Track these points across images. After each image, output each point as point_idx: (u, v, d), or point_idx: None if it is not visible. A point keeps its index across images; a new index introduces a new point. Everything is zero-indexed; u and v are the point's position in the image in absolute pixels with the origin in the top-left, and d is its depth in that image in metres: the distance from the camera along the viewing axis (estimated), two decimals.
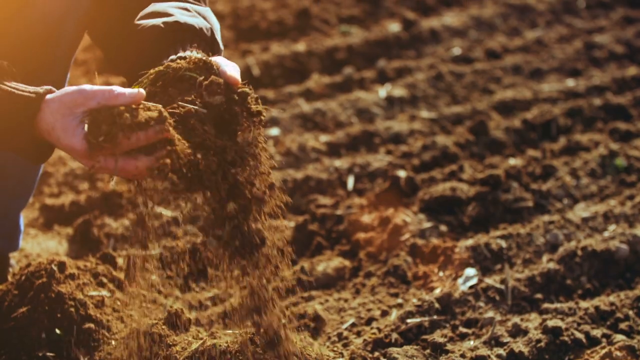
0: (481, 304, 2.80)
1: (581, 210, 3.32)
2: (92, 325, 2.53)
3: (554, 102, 4.35)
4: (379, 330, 2.72)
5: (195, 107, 2.01)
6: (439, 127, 4.15)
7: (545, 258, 3.03)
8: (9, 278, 2.77)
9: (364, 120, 4.22)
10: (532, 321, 2.70)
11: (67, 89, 1.96)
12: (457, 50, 4.96)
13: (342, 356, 2.57)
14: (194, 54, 2.12)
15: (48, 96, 1.96)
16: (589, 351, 2.58)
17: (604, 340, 2.61)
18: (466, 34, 5.20)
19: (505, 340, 2.62)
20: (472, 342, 2.64)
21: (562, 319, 2.69)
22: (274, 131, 4.05)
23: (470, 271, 2.93)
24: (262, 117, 2.08)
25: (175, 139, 1.94)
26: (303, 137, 4.01)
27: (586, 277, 2.94)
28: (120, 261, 2.98)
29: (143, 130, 1.89)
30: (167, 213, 3.28)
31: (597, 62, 4.85)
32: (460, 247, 3.06)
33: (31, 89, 1.98)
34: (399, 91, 4.42)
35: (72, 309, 2.51)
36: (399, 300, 2.89)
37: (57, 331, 2.48)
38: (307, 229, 3.28)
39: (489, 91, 4.53)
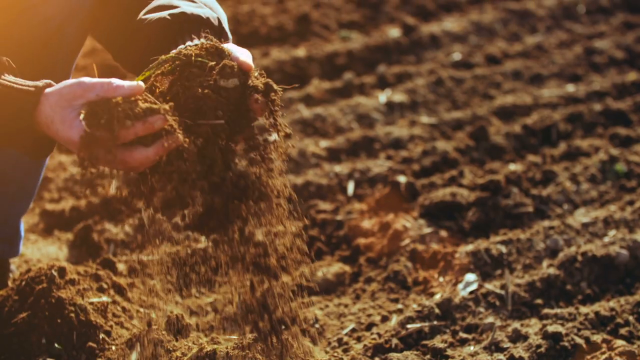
0: (481, 309, 2.80)
1: (581, 216, 3.32)
2: (92, 331, 2.52)
3: (554, 108, 4.36)
4: (379, 335, 2.72)
5: (209, 90, 1.99)
6: (439, 132, 4.15)
7: (545, 263, 3.03)
8: (9, 283, 2.76)
9: (364, 126, 4.22)
10: (532, 326, 2.70)
11: (66, 82, 1.95)
12: (457, 56, 4.96)
13: None
14: (205, 40, 2.10)
15: (47, 90, 1.95)
16: (589, 356, 2.57)
17: (604, 345, 2.61)
18: (466, 39, 5.21)
19: (505, 346, 2.62)
20: (472, 348, 2.64)
21: (562, 325, 2.69)
22: (274, 137, 4.04)
23: (470, 276, 2.93)
24: (278, 104, 2.06)
25: (176, 130, 1.93)
26: (303, 142, 4.01)
27: (586, 283, 2.94)
28: (120, 266, 2.98)
29: (140, 121, 1.87)
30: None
31: (597, 68, 4.85)
32: (461, 252, 3.06)
33: (30, 83, 1.97)
34: (399, 96, 4.43)
35: (72, 315, 2.51)
36: (399, 306, 2.89)
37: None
38: (307, 234, 3.29)
39: (489, 96, 4.54)
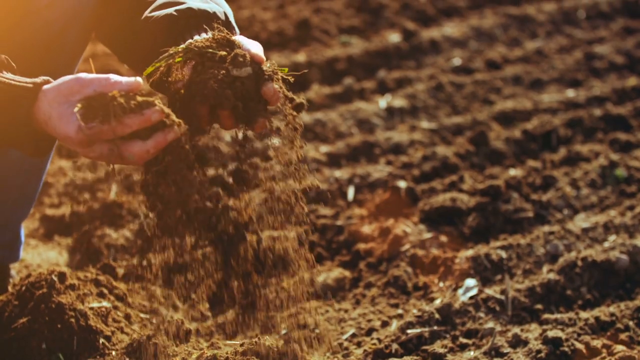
0: (481, 314, 2.80)
1: (581, 221, 3.32)
2: (92, 336, 2.52)
3: (554, 113, 4.36)
4: (379, 340, 2.72)
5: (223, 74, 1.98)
6: (439, 137, 4.15)
7: (545, 268, 3.03)
8: (10, 289, 2.77)
9: (364, 131, 4.22)
10: (532, 332, 2.70)
11: (64, 78, 1.94)
12: (457, 61, 4.97)
13: None
14: (217, 32, 2.08)
15: (45, 86, 1.95)
16: None
17: (604, 350, 2.61)
18: (466, 44, 5.22)
19: (505, 351, 2.62)
20: (472, 353, 2.64)
21: (563, 330, 2.69)
22: (274, 141, 4.04)
23: (470, 282, 2.93)
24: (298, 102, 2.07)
25: (175, 123, 1.92)
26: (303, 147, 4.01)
27: (586, 288, 2.94)
28: (120, 272, 2.98)
29: (137, 114, 1.86)
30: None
31: (597, 73, 4.85)
32: (461, 257, 3.06)
33: (28, 80, 1.97)
34: (399, 102, 4.43)
35: (73, 320, 2.51)
36: (399, 311, 2.89)
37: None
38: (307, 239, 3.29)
39: (489, 102, 4.54)
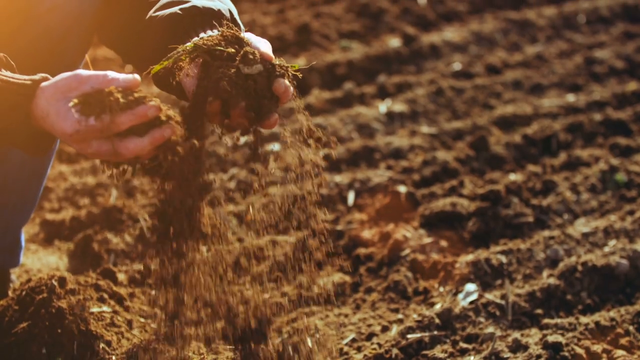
0: (481, 319, 2.80)
1: (581, 226, 3.32)
2: (92, 341, 2.52)
3: (555, 118, 4.36)
4: (380, 345, 2.72)
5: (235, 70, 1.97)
6: (440, 142, 4.15)
7: (545, 273, 3.03)
8: (10, 293, 2.77)
9: (364, 136, 4.22)
10: (532, 336, 2.70)
11: (62, 74, 1.94)
12: (457, 66, 4.97)
13: None
14: (225, 29, 2.06)
15: (43, 83, 1.95)
16: None
17: (604, 355, 2.61)
18: (466, 49, 5.22)
19: (505, 356, 2.62)
20: (472, 358, 2.64)
21: (563, 335, 2.69)
22: (275, 146, 4.05)
23: (470, 286, 2.93)
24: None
25: (172, 119, 1.91)
26: (303, 152, 4.01)
27: (586, 293, 2.94)
28: (120, 276, 2.98)
29: (133, 110, 1.86)
30: None
31: (597, 77, 4.86)
32: (461, 262, 3.06)
33: (27, 77, 1.97)
34: (399, 106, 4.43)
35: (73, 325, 2.51)
36: (400, 316, 2.89)
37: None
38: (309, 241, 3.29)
39: (489, 106, 4.54)
